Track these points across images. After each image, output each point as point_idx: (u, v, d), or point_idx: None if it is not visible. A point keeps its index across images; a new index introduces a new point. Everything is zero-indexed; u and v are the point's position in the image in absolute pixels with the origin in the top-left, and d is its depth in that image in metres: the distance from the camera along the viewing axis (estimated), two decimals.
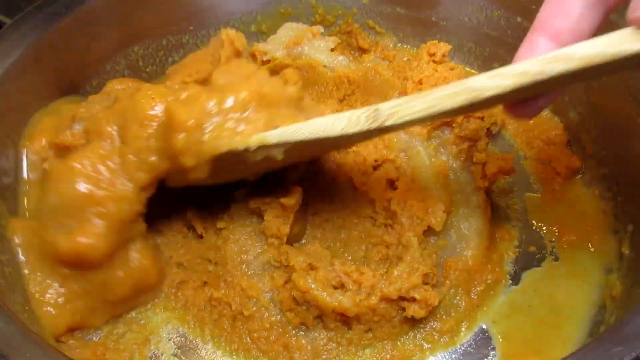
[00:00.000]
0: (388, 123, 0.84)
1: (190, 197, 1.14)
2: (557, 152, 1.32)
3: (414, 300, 1.02)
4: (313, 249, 1.08)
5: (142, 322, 1.11)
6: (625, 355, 0.81)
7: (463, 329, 1.09)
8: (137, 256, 1.06)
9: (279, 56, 1.32)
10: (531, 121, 1.38)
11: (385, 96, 1.21)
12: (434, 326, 1.08)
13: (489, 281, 1.12)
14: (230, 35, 1.21)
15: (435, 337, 1.08)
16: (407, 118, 0.83)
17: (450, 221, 1.12)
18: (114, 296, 1.05)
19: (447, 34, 1.24)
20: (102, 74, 1.36)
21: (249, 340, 1.08)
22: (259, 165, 0.95)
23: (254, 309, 1.07)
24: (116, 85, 1.28)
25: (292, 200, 1.05)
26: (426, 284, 1.04)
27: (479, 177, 1.14)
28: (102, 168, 1.00)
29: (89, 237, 0.98)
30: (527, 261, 1.18)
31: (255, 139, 0.89)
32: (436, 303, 1.03)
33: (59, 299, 1.02)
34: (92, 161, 1.00)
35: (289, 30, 1.38)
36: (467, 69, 1.45)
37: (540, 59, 0.76)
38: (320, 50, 1.33)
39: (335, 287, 1.04)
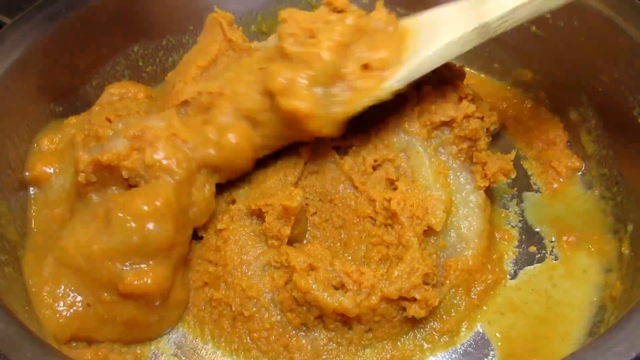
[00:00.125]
0: (497, 32, 1.01)
1: None
2: (557, 152, 1.32)
3: (414, 300, 1.02)
4: (313, 249, 1.08)
5: None
6: (625, 355, 0.81)
7: (463, 329, 1.09)
8: (178, 288, 1.08)
9: None
10: (531, 121, 1.39)
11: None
12: (434, 326, 1.08)
13: (489, 281, 1.12)
14: (219, 14, 1.22)
15: (435, 337, 1.08)
16: (514, 25, 0.99)
17: (450, 221, 1.12)
18: (139, 325, 1.05)
19: None
20: (102, 74, 1.36)
21: (249, 340, 1.08)
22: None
23: (254, 309, 1.07)
24: (116, 90, 1.28)
25: (294, 203, 1.05)
26: (426, 284, 1.04)
27: (479, 177, 1.14)
28: (176, 210, 1.01)
29: (159, 279, 1.00)
30: (527, 261, 1.18)
31: (385, 88, 1.03)
32: (436, 303, 1.03)
33: (70, 310, 1.02)
34: (166, 202, 1.00)
35: None
36: (467, 68, 1.45)
37: None
38: None
39: (335, 287, 1.03)
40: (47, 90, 1.25)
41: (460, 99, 1.13)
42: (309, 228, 1.15)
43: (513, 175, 1.16)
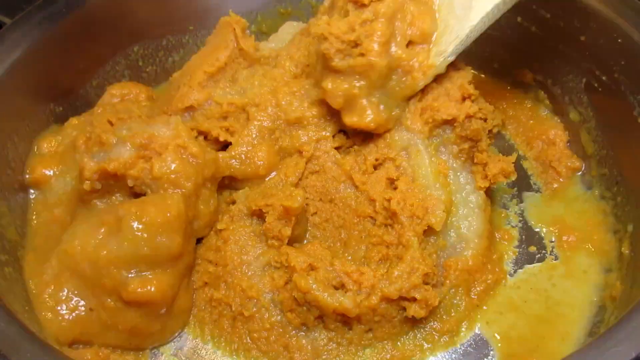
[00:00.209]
0: None
1: None
2: (557, 152, 1.32)
3: (414, 300, 1.02)
4: (313, 249, 1.08)
5: None
6: (625, 355, 0.81)
7: (463, 329, 1.09)
8: (182, 296, 1.08)
9: None
10: (531, 121, 1.39)
11: None
12: (434, 326, 1.08)
13: (488, 281, 1.12)
14: (233, 19, 1.23)
15: (436, 337, 1.08)
16: None
17: (450, 221, 1.12)
18: (141, 333, 1.05)
19: None
20: (102, 73, 1.36)
21: (249, 340, 1.08)
22: None
23: (254, 309, 1.07)
24: (117, 90, 1.28)
25: (295, 204, 1.05)
26: (426, 283, 1.04)
27: (480, 178, 1.14)
28: (185, 221, 1.02)
29: (163, 287, 1.00)
30: (527, 261, 1.18)
31: (442, 62, 1.08)
32: (436, 303, 1.03)
33: (72, 314, 1.01)
34: (178, 214, 1.00)
35: (290, 29, 1.37)
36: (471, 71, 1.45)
37: None
38: None
39: (335, 287, 1.03)
40: (47, 90, 1.25)
41: (464, 99, 1.13)
42: (309, 228, 1.15)
43: (513, 177, 1.16)
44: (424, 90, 1.14)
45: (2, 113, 1.12)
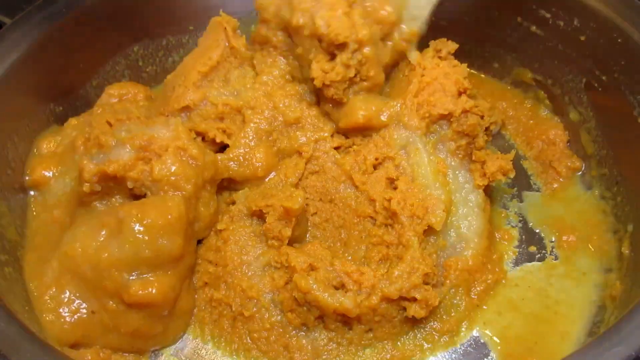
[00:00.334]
0: None
1: None
2: (557, 152, 1.32)
3: (414, 300, 1.02)
4: (313, 249, 1.08)
5: None
6: (625, 355, 0.81)
7: (463, 329, 1.09)
8: (184, 297, 1.07)
9: None
10: (531, 121, 1.39)
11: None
12: (434, 326, 1.08)
13: (488, 281, 1.12)
14: (224, 18, 1.22)
15: (436, 337, 1.08)
16: None
17: (450, 221, 1.12)
18: (143, 335, 1.04)
19: (447, 34, 1.24)
20: (102, 73, 1.36)
21: (249, 340, 1.08)
22: None
23: (254, 309, 1.07)
24: (115, 90, 1.28)
25: (295, 205, 1.05)
26: (426, 283, 1.04)
27: (478, 176, 1.14)
28: (186, 223, 1.02)
29: (164, 288, 1.00)
30: (527, 261, 1.18)
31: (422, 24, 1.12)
32: (436, 303, 1.03)
33: (74, 316, 1.01)
34: (179, 216, 1.00)
35: None
36: (467, 69, 1.45)
37: None
38: None
39: (335, 288, 1.03)
40: (47, 90, 1.25)
41: (459, 94, 1.13)
42: (309, 228, 1.16)
43: (512, 175, 1.16)
44: (420, 86, 1.14)
45: (2, 113, 1.12)
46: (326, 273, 1.03)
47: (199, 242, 1.14)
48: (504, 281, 1.14)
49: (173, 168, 1.03)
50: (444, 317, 1.09)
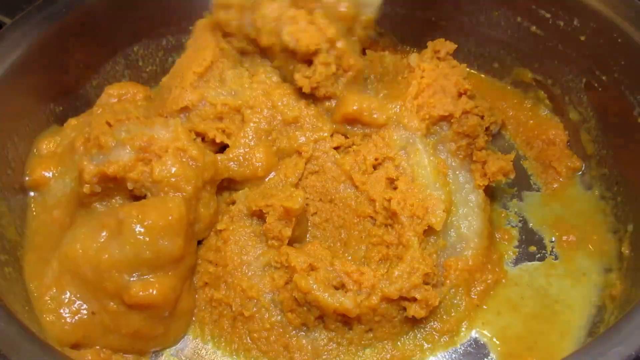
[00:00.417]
0: None
1: None
2: (557, 152, 1.32)
3: (414, 300, 1.02)
4: (313, 249, 1.08)
5: None
6: (625, 355, 0.81)
7: (463, 329, 1.09)
8: (185, 298, 1.07)
9: None
10: (531, 121, 1.39)
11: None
12: (434, 326, 1.08)
13: (488, 281, 1.12)
14: (209, 20, 1.22)
15: (436, 337, 1.08)
16: None
17: (450, 221, 1.12)
18: (144, 336, 1.04)
19: (447, 34, 1.24)
20: (102, 73, 1.36)
21: (249, 340, 1.08)
22: None
23: (255, 309, 1.07)
24: (115, 90, 1.28)
25: (295, 205, 1.05)
26: (427, 283, 1.04)
27: (478, 176, 1.14)
28: (186, 224, 1.01)
29: (165, 289, 1.00)
30: (527, 261, 1.18)
31: None
32: (437, 303, 1.03)
33: (75, 317, 1.01)
34: (179, 217, 1.00)
35: None
36: (467, 68, 1.45)
37: None
38: None
39: (335, 288, 1.03)
40: (47, 90, 1.25)
41: (459, 95, 1.13)
42: (309, 228, 1.15)
43: (512, 176, 1.16)
44: (419, 88, 1.14)
45: (2, 113, 1.12)
46: (326, 273, 1.03)
47: (199, 242, 1.14)
48: (504, 281, 1.14)
49: (173, 169, 1.02)
50: (444, 317, 1.09)
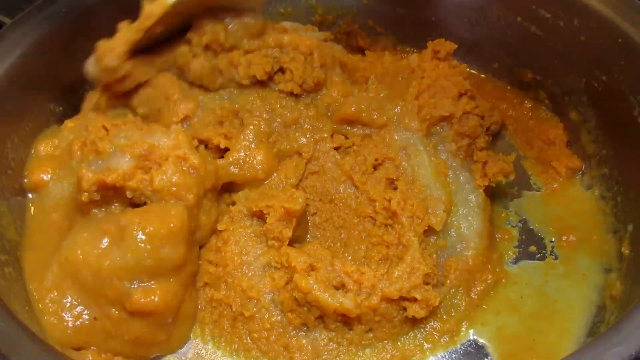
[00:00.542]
0: None
1: None
2: (557, 152, 1.32)
3: (414, 300, 1.02)
4: (313, 249, 1.08)
5: None
6: (624, 355, 0.81)
7: (463, 329, 1.09)
8: (187, 303, 1.07)
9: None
10: (531, 121, 1.39)
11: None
12: (434, 326, 1.08)
13: (489, 281, 1.12)
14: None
15: (436, 337, 1.08)
16: None
17: (450, 221, 1.12)
18: (146, 343, 1.03)
19: (447, 34, 1.24)
20: None
21: (249, 340, 1.08)
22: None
23: (255, 309, 1.07)
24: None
25: (296, 206, 1.05)
26: (427, 283, 1.04)
27: (479, 176, 1.14)
28: (188, 232, 1.01)
29: (167, 297, 0.99)
30: (527, 261, 1.18)
31: None
32: (437, 303, 1.03)
33: (77, 322, 1.00)
34: (181, 225, 0.99)
35: None
36: (467, 69, 1.45)
37: None
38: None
39: (336, 288, 1.03)
40: (47, 90, 1.24)
41: (460, 95, 1.13)
42: (310, 228, 1.16)
43: (512, 177, 1.16)
44: (420, 88, 1.14)
45: (2, 113, 1.12)
46: (326, 273, 1.03)
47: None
48: (504, 281, 1.14)
49: (174, 178, 1.01)
50: (444, 317, 1.09)
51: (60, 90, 1.28)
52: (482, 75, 1.48)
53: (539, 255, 1.19)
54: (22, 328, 0.88)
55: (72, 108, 1.29)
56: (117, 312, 0.99)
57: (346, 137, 1.19)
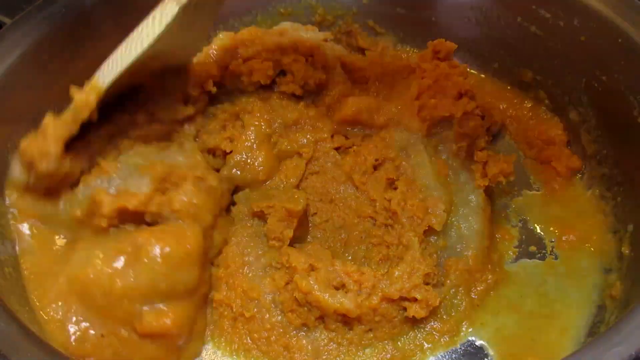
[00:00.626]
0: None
1: None
2: (557, 152, 1.32)
3: (415, 300, 1.02)
4: (313, 249, 1.08)
5: None
6: (624, 355, 0.81)
7: (463, 329, 1.09)
8: (199, 321, 1.05)
9: None
10: (531, 121, 1.39)
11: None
12: (434, 326, 1.08)
13: (489, 281, 1.12)
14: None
15: (436, 337, 1.08)
16: None
17: (450, 221, 1.12)
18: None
19: (447, 34, 1.24)
20: None
21: (249, 340, 1.07)
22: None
23: (255, 310, 1.07)
24: None
25: (298, 206, 1.05)
26: (427, 284, 1.04)
27: (479, 176, 1.14)
28: (202, 253, 1.00)
29: (179, 319, 0.97)
30: (527, 261, 1.18)
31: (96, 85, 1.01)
32: (437, 303, 1.03)
33: (83, 336, 0.97)
34: (197, 246, 0.98)
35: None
36: (467, 69, 1.45)
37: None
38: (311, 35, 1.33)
39: (336, 288, 1.03)
40: (47, 90, 1.24)
41: (460, 96, 1.13)
42: (310, 228, 1.16)
43: (512, 178, 1.16)
44: (420, 89, 1.14)
45: (2, 113, 1.12)
46: (327, 273, 1.04)
47: None
48: (504, 281, 1.14)
49: (194, 200, 1.00)
50: (444, 317, 1.09)
51: (61, 90, 1.27)
52: (482, 75, 1.48)
53: (539, 255, 1.19)
54: (22, 328, 0.88)
55: None
56: (126, 333, 0.96)
57: (346, 138, 1.19)
